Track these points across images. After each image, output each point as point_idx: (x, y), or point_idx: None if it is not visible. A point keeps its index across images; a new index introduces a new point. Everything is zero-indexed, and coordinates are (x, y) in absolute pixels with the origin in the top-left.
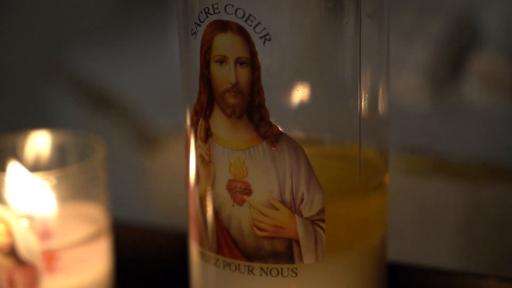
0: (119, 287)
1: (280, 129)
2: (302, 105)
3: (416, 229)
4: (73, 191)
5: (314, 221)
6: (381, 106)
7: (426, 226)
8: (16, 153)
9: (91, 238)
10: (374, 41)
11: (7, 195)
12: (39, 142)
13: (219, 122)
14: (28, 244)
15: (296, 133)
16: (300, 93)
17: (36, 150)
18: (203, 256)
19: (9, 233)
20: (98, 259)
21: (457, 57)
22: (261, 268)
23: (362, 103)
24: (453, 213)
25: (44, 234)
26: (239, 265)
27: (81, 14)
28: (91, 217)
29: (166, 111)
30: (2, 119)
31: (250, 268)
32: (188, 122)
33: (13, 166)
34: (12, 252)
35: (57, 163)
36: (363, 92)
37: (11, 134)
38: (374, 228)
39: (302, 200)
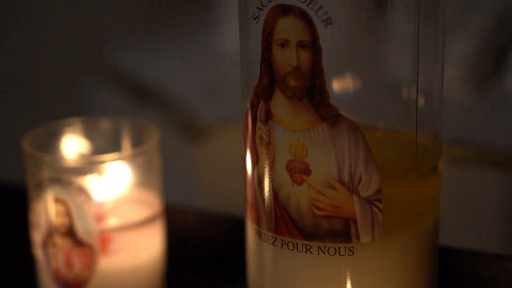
0: (170, 269)
1: (339, 111)
2: (361, 90)
3: (461, 216)
4: (129, 175)
5: (371, 201)
6: (436, 96)
7: (470, 214)
8: (73, 138)
9: (146, 222)
10: (431, 32)
11: (66, 177)
12: (95, 128)
13: (280, 104)
14: (86, 225)
15: (354, 117)
16: (359, 78)
17: (92, 136)
18: (260, 235)
19: (68, 214)
20: (152, 242)
21: (499, 50)
22: (319, 247)
23: (419, 91)
24: (496, 201)
25: (101, 216)
26: (297, 244)
27: (124, 8)
28: (146, 202)
29: (211, 103)
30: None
31: (308, 247)
32: (248, 105)
33: (71, 150)
34: (70, 232)
35: (112, 148)
36: (420, 81)
37: (69, 120)
38: (427, 210)
39: (360, 180)
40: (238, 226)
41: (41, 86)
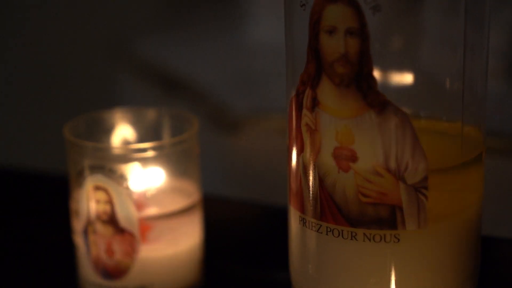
0: (208, 258)
1: (387, 98)
2: (407, 78)
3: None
4: (168, 165)
5: (417, 188)
6: (480, 86)
7: (504, 203)
8: (114, 127)
9: (185, 211)
10: (477, 23)
11: (108, 165)
12: (136, 118)
13: (326, 91)
14: (127, 213)
15: (400, 105)
16: (406, 66)
17: (132, 125)
18: (304, 223)
19: (109, 202)
20: (191, 231)
21: None
22: (364, 234)
23: (466, 81)
24: None
25: (140, 205)
26: (342, 231)
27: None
28: (185, 191)
29: (243, 94)
30: (76, 106)
31: (353, 234)
32: (293, 92)
33: (112, 138)
34: (111, 220)
35: (152, 137)
36: (467, 72)
37: (110, 109)
38: (472, 199)
39: (406, 167)
40: (273, 214)
41: (71, 78)
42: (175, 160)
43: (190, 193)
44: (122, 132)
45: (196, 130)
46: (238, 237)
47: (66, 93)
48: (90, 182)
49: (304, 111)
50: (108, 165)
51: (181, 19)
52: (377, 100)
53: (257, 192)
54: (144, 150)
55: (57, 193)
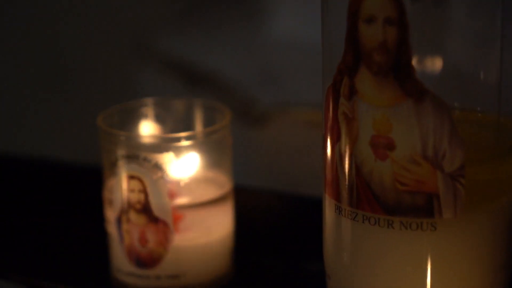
0: (239, 247)
1: (425, 86)
2: (445, 68)
3: None
4: (202, 154)
5: (454, 177)
6: None
7: None
8: (146, 118)
9: (218, 201)
10: None
11: (142, 154)
12: (168, 108)
13: (364, 80)
14: (161, 202)
15: (438, 94)
16: (444, 56)
17: (164, 116)
18: (340, 211)
19: (143, 191)
20: (223, 221)
21: None
22: (401, 222)
23: (503, 72)
24: None
25: (174, 194)
26: (378, 219)
27: None
28: (217, 181)
29: (268, 87)
30: (103, 100)
31: (390, 222)
32: (329, 82)
33: (146, 128)
34: (145, 209)
35: (185, 128)
36: (504, 62)
37: (143, 100)
38: (507, 188)
39: (444, 155)
40: (302, 204)
41: (95, 73)
42: (209, 150)
43: (222, 183)
44: (155, 122)
45: (229, 121)
46: (267, 227)
47: (94, 87)
48: (124, 172)
49: (341, 100)
50: (142, 154)
51: (206, 14)
52: (415, 88)
53: (284, 183)
54: (178, 139)
55: (89, 183)
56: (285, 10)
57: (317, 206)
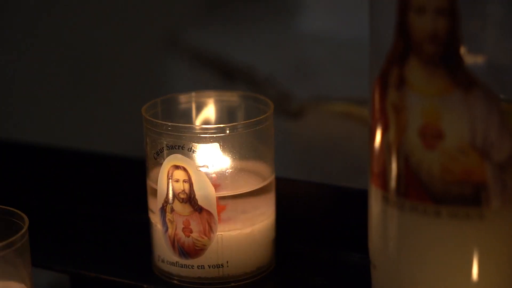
0: (280, 238)
1: (474, 76)
2: (495, 58)
3: None
4: (245, 145)
5: (502, 167)
6: None
7: None
8: (190, 110)
9: (260, 192)
10: None
11: (186, 144)
12: (210, 100)
13: (414, 70)
14: (205, 192)
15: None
16: (495, 46)
17: (207, 107)
18: (387, 200)
19: (188, 181)
20: (265, 212)
21: None
22: (449, 211)
23: None
24: None
25: (218, 184)
26: (426, 208)
27: None
28: (260, 171)
29: (301, 81)
30: (130, 98)
31: (438, 211)
32: (377, 72)
33: (190, 119)
34: (189, 199)
35: (227, 119)
36: None
37: (185, 93)
38: None
39: (492, 145)
40: (341, 195)
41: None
42: (252, 140)
43: (265, 174)
44: (199, 113)
45: (272, 112)
46: (308, 218)
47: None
48: (168, 162)
49: (390, 90)
50: (187, 144)
51: (240, 9)
52: (465, 78)
53: (320, 175)
54: (222, 130)
55: (132, 174)
56: (320, 4)
57: (355, 197)
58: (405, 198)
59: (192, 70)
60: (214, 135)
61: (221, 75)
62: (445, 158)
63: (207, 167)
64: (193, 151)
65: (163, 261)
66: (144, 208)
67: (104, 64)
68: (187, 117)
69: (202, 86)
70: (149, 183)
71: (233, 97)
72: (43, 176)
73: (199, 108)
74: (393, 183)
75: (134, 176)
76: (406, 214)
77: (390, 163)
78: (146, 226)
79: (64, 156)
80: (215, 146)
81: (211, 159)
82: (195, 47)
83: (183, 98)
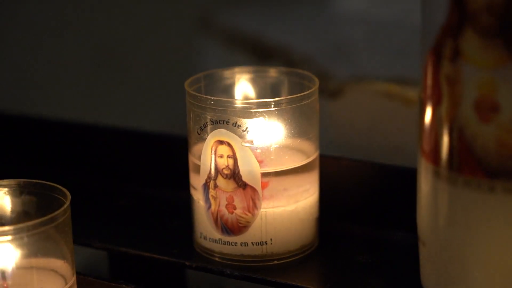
0: (323, 216)
1: None
2: None
3: None
4: (290, 121)
5: None
6: None
7: None
8: (233, 85)
9: (305, 168)
10: None
11: (231, 120)
12: (254, 76)
13: (470, 41)
14: (250, 168)
15: None
16: None
17: (253, 83)
18: (439, 175)
19: (233, 156)
20: (309, 189)
21: None
22: (503, 186)
23: None
24: None
25: (262, 160)
26: (480, 183)
27: None
28: (304, 148)
29: (338, 61)
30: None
31: (492, 186)
32: (430, 44)
33: (234, 94)
34: (233, 175)
35: (271, 95)
36: None
37: (228, 68)
38: None
39: None
40: (384, 173)
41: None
42: (297, 116)
43: (309, 151)
44: (242, 89)
45: (317, 87)
46: (350, 196)
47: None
48: (212, 137)
49: (444, 63)
50: (232, 119)
51: None
52: None
53: (360, 153)
54: (267, 104)
55: (169, 151)
56: None
57: (396, 174)
58: (458, 173)
59: (227, 51)
60: (259, 110)
61: (257, 55)
62: (501, 131)
63: (252, 142)
64: (238, 126)
65: (205, 238)
66: (184, 186)
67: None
68: (229, 93)
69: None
70: (192, 159)
71: (276, 73)
72: (85, 153)
73: (242, 84)
74: (445, 158)
75: (173, 153)
76: (459, 190)
77: (442, 138)
78: (186, 203)
79: (104, 134)
80: (260, 121)
81: (255, 134)
82: (230, 28)
83: (226, 73)
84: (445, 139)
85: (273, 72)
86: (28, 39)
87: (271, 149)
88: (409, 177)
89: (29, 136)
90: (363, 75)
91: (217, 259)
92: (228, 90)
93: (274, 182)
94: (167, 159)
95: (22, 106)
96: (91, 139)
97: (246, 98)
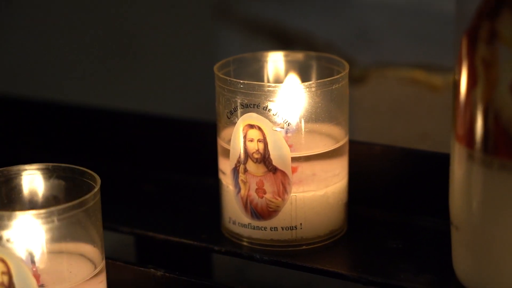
0: (351, 201)
1: None
2: None
3: None
4: (321, 103)
5: None
6: None
7: None
8: (262, 69)
9: (335, 153)
10: None
11: (263, 103)
12: (282, 59)
13: (507, 23)
14: (280, 152)
15: None
16: None
17: (280, 66)
18: (473, 159)
19: (263, 140)
20: (339, 174)
21: None
22: None
23: None
24: None
25: (292, 144)
26: None
27: None
28: (335, 132)
29: (362, 47)
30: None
31: None
32: (464, 27)
33: (263, 77)
34: (264, 159)
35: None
36: None
37: (257, 52)
38: None
39: None
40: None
41: (182, 37)
42: (328, 100)
43: (338, 136)
44: (270, 73)
45: (347, 72)
46: (378, 181)
47: (186, 49)
48: (243, 121)
49: (480, 45)
50: (262, 103)
51: None
52: None
53: (385, 139)
54: (298, 88)
55: (196, 136)
56: None
57: (425, 160)
58: (494, 156)
59: (248, 38)
60: (290, 94)
61: (279, 42)
62: None
63: (282, 126)
64: (269, 110)
65: (234, 223)
66: (210, 172)
67: (161, 33)
68: (258, 77)
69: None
70: (221, 143)
71: (305, 57)
72: (113, 139)
73: (271, 68)
74: (480, 141)
75: (199, 139)
76: (494, 173)
77: (477, 121)
78: (213, 189)
79: (131, 120)
80: (291, 105)
81: (286, 119)
82: (251, 14)
83: (254, 57)
84: (480, 122)
85: (302, 57)
86: (57, 24)
87: (302, 134)
88: (438, 162)
89: (56, 122)
90: (386, 61)
91: (245, 243)
92: (257, 75)
93: (303, 167)
94: (193, 145)
95: (49, 92)
96: (119, 126)
97: (276, 82)
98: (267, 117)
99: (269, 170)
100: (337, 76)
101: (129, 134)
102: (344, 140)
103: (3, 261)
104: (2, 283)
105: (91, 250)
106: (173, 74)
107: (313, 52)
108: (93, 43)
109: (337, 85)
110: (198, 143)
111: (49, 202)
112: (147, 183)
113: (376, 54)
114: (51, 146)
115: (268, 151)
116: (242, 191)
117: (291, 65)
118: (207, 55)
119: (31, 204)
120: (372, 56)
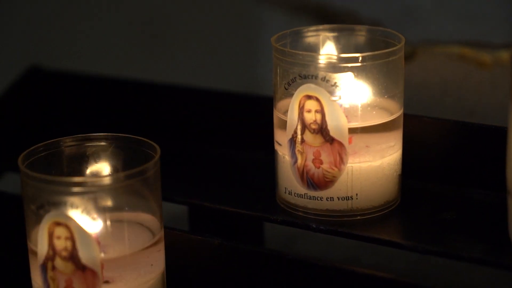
0: (405, 173)
1: None
2: None
3: None
4: (377, 76)
5: None
6: None
7: None
8: (317, 43)
9: (390, 125)
10: None
11: (322, 74)
12: (339, 34)
13: None
14: (338, 123)
15: None
16: None
17: (336, 41)
18: None
19: (321, 111)
20: (394, 146)
21: None
22: None
23: None
24: None
25: (348, 115)
26: None
27: None
28: (390, 104)
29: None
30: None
31: None
32: None
33: (320, 50)
34: (321, 129)
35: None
36: None
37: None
38: None
39: None
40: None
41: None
42: (384, 73)
43: (393, 109)
44: (326, 46)
45: (403, 44)
46: (432, 154)
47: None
48: (301, 92)
49: None
50: (321, 74)
51: None
52: None
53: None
54: (355, 60)
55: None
56: None
57: (477, 132)
58: None
59: (292, 17)
60: (348, 65)
61: (323, 21)
62: None
63: (340, 97)
64: (327, 81)
65: (289, 193)
66: (262, 145)
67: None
68: (314, 50)
69: None
70: (278, 114)
71: (360, 31)
72: (170, 114)
73: (326, 41)
74: None
75: (250, 113)
76: None
77: None
78: (266, 162)
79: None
80: (348, 76)
81: (344, 90)
82: None
83: (310, 30)
84: None
85: (357, 30)
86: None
87: (359, 105)
88: (490, 135)
89: (115, 97)
90: (433, 39)
91: (300, 213)
92: (312, 48)
93: (357, 138)
94: (246, 118)
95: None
96: (174, 101)
97: (333, 54)
98: (325, 88)
99: (326, 141)
100: (394, 48)
101: (182, 109)
102: (399, 113)
103: (67, 227)
104: (66, 248)
105: (150, 219)
106: (219, 51)
107: (368, 26)
108: (138, 26)
109: (393, 57)
110: (250, 117)
111: (109, 171)
112: (202, 157)
113: (423, 32)
114: (105, 122)
115: (325, 121)
116: (299, 162)
117: (346, 39)
118: (251, 34)
119: (91, 173)
120: (419, 34)
